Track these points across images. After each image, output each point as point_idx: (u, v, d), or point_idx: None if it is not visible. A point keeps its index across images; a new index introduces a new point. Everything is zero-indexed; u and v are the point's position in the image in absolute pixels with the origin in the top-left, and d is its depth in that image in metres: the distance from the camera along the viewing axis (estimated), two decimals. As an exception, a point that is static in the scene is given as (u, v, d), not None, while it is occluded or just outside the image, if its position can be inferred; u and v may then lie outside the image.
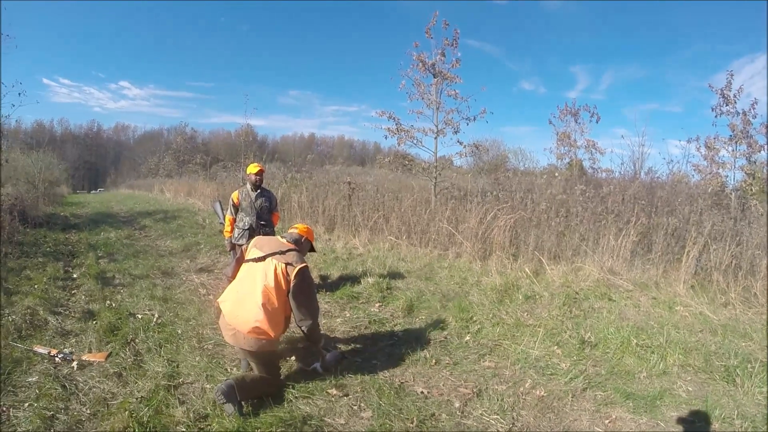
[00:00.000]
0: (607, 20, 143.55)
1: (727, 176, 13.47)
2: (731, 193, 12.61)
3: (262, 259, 4.47)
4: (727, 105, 13.17)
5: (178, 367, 4.90)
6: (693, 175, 14.14)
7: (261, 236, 5.20)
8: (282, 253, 4.50)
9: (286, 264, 4.41)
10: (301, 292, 4.48)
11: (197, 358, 5.08)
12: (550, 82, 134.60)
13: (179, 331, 5.83)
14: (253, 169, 7.34)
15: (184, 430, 3.79)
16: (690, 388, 4.87)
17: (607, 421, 4.29)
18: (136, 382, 4.51)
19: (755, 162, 13.18)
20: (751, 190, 12.55)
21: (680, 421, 4.33)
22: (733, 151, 13.38)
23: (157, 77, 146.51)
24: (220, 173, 24.59)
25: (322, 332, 5.09)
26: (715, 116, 13.45)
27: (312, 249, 5.26)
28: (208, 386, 4.48)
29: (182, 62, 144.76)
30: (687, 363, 5.36)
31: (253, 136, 33.14)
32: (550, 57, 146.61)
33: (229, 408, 3.97)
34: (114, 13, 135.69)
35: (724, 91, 13.14)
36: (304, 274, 4.48)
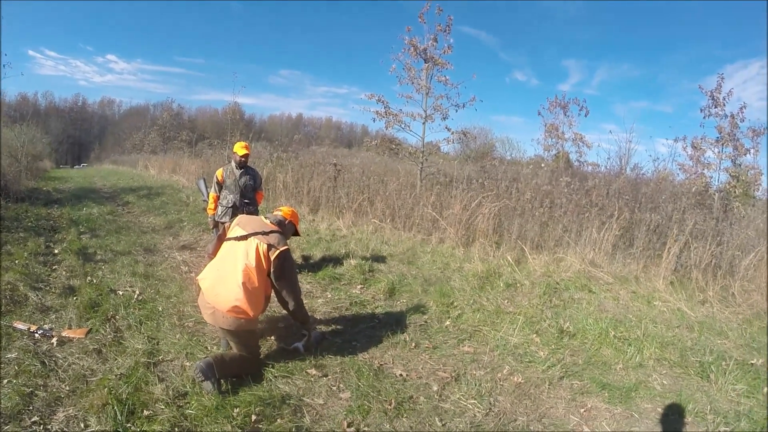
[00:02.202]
0: (605, 18, 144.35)
1: (712, 177, 13.64)
2: (715, 194, 12.74)
3: (244, 238, 4.42)
4: (716, 107, 13.32)
5: (158, 344, 4.87)
6: (678, 174, 14.32)
7: (244, 215, 5.14)
8: (265, 233, 4.46)
9: (268, 245, 4.38)
10: (283, 274, 4.47)
11: (177, 336, 5.06)
12: (543, 74, 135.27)
13: (160, 309, 5.79)
14: (240, 150, 7.25)
15: (163, 407, 3.76)
16: (665, 382, 4.93)
17: (582, 410, 4.33)
18: (116, 359, 4.48)
19: (740, 165, 13.37)
20: (735, 192, 12.71)
21: (654, 413, 4.39)
22: (719, 152, 13.55)
23: (146, 51, 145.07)
24: (206, 151, 24.30)
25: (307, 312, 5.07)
26: (704, 117, 13.63)
27: (296, 233, 5.23)
28: (187, 364, 4.45)
29: (172, 37, 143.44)
30: (663, 357, 5.43)
31: (241, 115, 32.96)
32: (545, 50, 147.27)
33: (208, 386, 3.96)
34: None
35: (714, 93, 13.27)
36: (285, 256, 4.46)
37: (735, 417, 4.36)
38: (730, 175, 13.28)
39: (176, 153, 29.96)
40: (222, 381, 4.07)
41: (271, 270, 4.40)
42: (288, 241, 4.85)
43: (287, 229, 4.92)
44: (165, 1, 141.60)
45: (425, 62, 13.14)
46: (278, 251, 4.39)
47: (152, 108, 69.29)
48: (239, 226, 4.58)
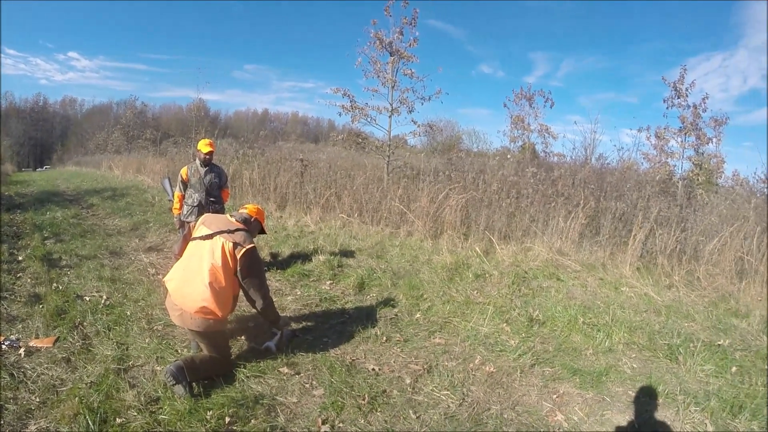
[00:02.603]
0: (571, 11, 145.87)
1: (675, 165, 13.97)
2: (678, 182, 12.99)
3: (210, 237, 4.34)
4: (678, 98, 13.66)
5: (127, 349, 4.76)
6: (642, 163, 14.59)
7: (209, 214, 5.07)
8: (230, 232, 4.39)
9: (234, 243, 4.31)
10: (250, 273, 4.40)
11: (147, 340, 4.94)
12: (510, 66, 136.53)
13: (128, 313, 5.64)
14: (204, 147, 7.11)
15: (135, 414, 3.68)
16: (635, 365, 4.99)
17: (554, 396, 4.36)
18: (86, 367, 4.36)
19: (703, 153, 13.67)
20: (698, 179, 12.99)
21: (626, 395, 4.44)
22: (682, 141, 13.86)
23: (108, 48, 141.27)
24: (171, 149, 23.98)
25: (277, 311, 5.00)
26: (667, 108, 13.98)
27: (262, 231, 5.15)
28: (158, 368, 4.36)
29: (135, 32, 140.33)
30: (632, 341, 5.50)
31: (205, 111, 32.39)
32: (512, 42, 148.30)
33: (180, 389, 3.89)
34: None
35: (677, 85, 13.61)
36: (251, 254, 4.40)
37: (705, 397, 4.44)
38: (693, 163, 13.58)
39: (141, 152, 29.38)
40: (194, 384, 4.00)
41: (238, 268, 4.33)
42: (255, 239, 4.79)
43: (253, 226, 4.85)
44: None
45: (391, 55, 13.08)
46: (244, 249, 4.32)
47: (115, 106, 67.50)
48: (204, 225, 4.50)
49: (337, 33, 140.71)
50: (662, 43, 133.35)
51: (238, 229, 4.46)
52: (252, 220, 4.86)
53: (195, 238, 4.46)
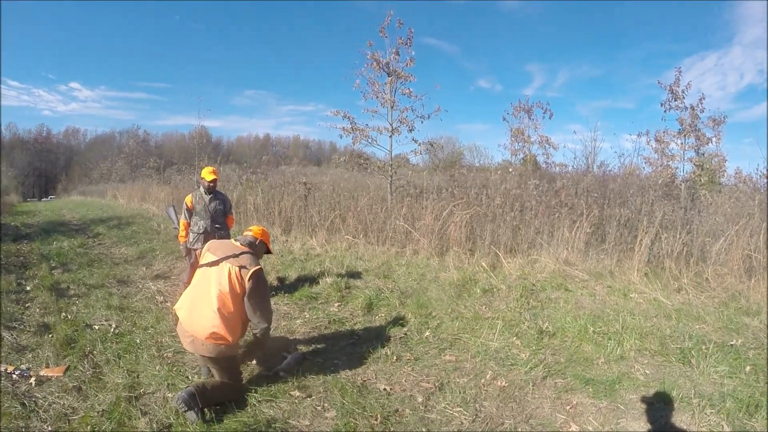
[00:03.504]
0: (562, 20, 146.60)
1: (677, 168, 13.88)
2: (681, 184, 12.96)
3: (216, 263, 4.36)
4: (675, 100, 13.62)
5: (138, 377, 4.75)
6: (644, 168, 14.52)
7: (215, 240, 5.06)
8: (236, 256, 4.40)
9: (240, 267, 4.31)
10: (256, 295, 4.39)
11: (157, 367, 4.93)
12: (506, 80, 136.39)
13: (138, 341, 5.64)
14: (208, 176, 7.16)
15: None
16: (647, 371, 4.96)
17: (568, 407, 4.34)
18: (97, 395, 4.35)
19: (703, 154, 13.66)
20: (701, 180, 12.97)
21: (640, 402, 4.42)
22: (682, 143, 13.82)
23: (109, 78, 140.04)
24: (174, 177, 24.02)
25: (280, 335, 5.00)
26: (664, 111, 13.90)
27: (268, 251, 5.16)
28: (169, 395, 4.34)
29: (134, 62, 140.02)
30: (643, 347, 5.48)
31: (207, 138, 32.52)
32: (507, 55, 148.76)
33: (192, 416, 3.88)
34: (63, 10, 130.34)
35: (673, 87, 13.58)
36: (258, 276, 4.39)
37: (720, 398, 4.42)
38: (694, 164, 13.55)
39: (144, 180, 29.37)
40: (205, 410, 4.00)
41: (246, 291, 4.34)
42: (262, 260, 4.80)
43: (258, 249, 4.86)
44: (126, 25, 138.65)
45: (388, 76, 13.08)
46: (251, 271, 4.32)
47: (118, 136, 67.73)
48: (210, 251, 4.52)
49: (334, 55, 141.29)
50: (654, 45, 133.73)
51: (243, 253, 4.46)
52: (257, 242, 4.86)
53: (202, 266, 4.48)
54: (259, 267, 4.41)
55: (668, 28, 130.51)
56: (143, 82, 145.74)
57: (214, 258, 4.40)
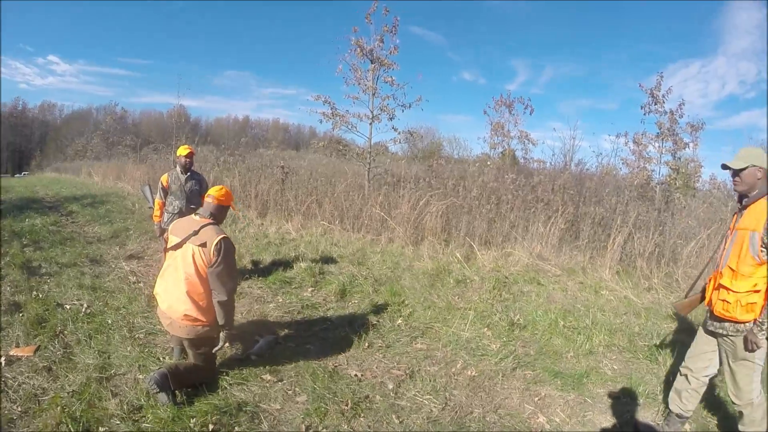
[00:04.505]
0: (552, 18, 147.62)
1: (653, 170, 14.14)
2: (656, 186, 13.16)
3: (180, 245, 4.27)
4: (655, 104, 13.85)
5: (109, 358, 4.69)
6: (621, 168, 14.70)
7: (178, 220, 4.90)
8: (196, 233, 4.28)
9: (201, 245, 4.21)
10: (217, 265, 4.23)
11: (129, 348, 4.87)
12: (491, 73, 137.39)
13: (109, 321, 5.56)
14: (182, 151, 7.09)
15: (118, 422, 3.64)
16: (615, 366, 5.04)
17: (536, 399, 4.39)
18: (67, 376, 4.30)
19: (680, 158, 13.94)
20: (675, 183, 13.21)
21: (607, 397, 4.50)
22: (659, 147, 14.08)
23: (88, 52, 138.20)
24: (151, 156, 23.69)
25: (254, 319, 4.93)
26: (644, 114, 14.17)
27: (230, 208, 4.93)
28: (140, 377, 4.31)
29: (115, 36, 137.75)
30: (612, 343, 5.56)
31: (186, 118, 32.04)
32: (492, 49, 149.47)
33: (163, 397, 3.85)
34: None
35: (654, 91, 13.81)
36: (221, 247, 4.25)
37: None
38: (670, 168, 13.82)
39: (120, 159, 28.80)
40: (177, 392, 3.97)
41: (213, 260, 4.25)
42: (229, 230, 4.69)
43: (220, 216, 4.66)
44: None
45: (372, 63, 13.07)
46: (213, 244, 4.19)
47: (95, 112, 66.61)
48: (173, 234, 4.40)
49: (318, 39, 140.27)
50: (641, 50, 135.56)
51: (203, 227, 4.32)
52: (218, 208, 4.64)
53: (168, 249, 4.42)
54: (221, 237, 4.27)
55: (655, 33, 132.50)
56: (124, 57, 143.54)
57: (178, 240, 4.32)
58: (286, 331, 5.72)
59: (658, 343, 5.57)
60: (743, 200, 3.53)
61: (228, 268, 4.35)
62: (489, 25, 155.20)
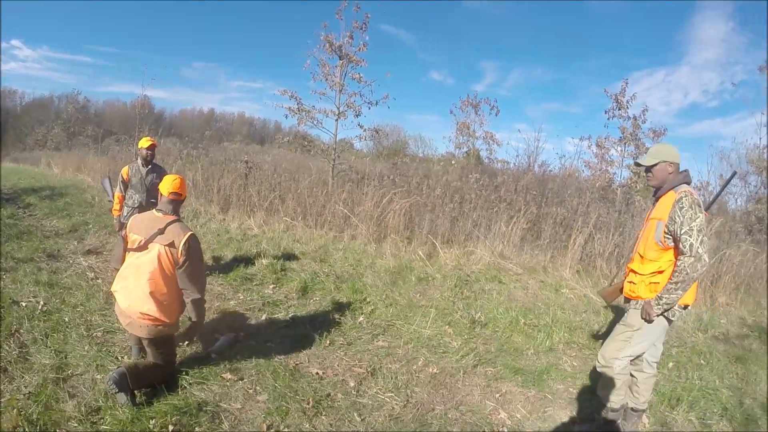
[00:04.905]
0: (524, 22, 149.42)
1: (615, 173, 14.50)
2: (617, 189, 13.38)
3: (145, 246, 4.15)
4: (619, 109, 14.22)
5: (66, 357, 4.54)
6: (583, 171, 15.03)
7: (136, 217, 4.72)
8: (162, 232, 4.18)
9: (168, 245, 4.12)
10: (188, 266, 4.20)
11: (86, 347, 4.73)
12: (460, 74, 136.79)
13: (66, 319, 5.38)
14: (144, 143, 6.94)
15: (75, 425, 3.53)
16: (575, 363, 5.11)
17: (497, 395, 4.42)
18: (23, 377, 4.14)
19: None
20: (636, 186, 13.50)
21: (567, 393, 4.55)
22: (621, 151, 14.45)
23: (53, 37, 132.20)
24: (113, 147, 23.25)
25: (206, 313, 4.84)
26: (608, 119, 14.59)
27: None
28: (98, 377, 4.19)
29: (82, 22, 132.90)
30: (572, 340, 5.65)
31: (150, 109, 31.56)
32: (462, 50, 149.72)
33: (122, 398, 3.73)
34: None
35: (619, 97, 14.19)
36: (190, 246, 4.19)
37: None
38: (631, 171, 14.11)
39: (81, 150, 28.18)
40: (136, 392, 3.87)
41: (179, 264, 4.19)
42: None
43: (179, 208, 4.57)
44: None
45: (340, 59, 13.06)
46: (181, 243, 4.12)
47: (57, 100, 64.16)
48: (134, 232, 4.26)
49: (289, 34, 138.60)
50: (608, 57, 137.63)
51: (168, 224, 4.22)
52: (178, 203, 4.55)
53: (130, 250, 4.29)
54: (189, 234, 4.20)
55: (624, 41, 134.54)
56: (89, 44, 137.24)
57: (140, 238, 4.20)
58: (247, 329, 5.64)
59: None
60: (656, 193, 3.81)
61: (198, 266, 4.31)
62: (461, 27, 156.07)
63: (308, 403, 4.01)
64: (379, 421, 3.90)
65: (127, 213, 6.84)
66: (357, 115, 13.28)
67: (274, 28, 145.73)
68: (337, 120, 13.34)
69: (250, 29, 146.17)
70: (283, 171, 13.85)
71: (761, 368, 5.60)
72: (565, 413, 4.24)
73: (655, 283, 3.61)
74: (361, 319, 6.04)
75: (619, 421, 4.02)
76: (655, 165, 3.72)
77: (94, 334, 5.09)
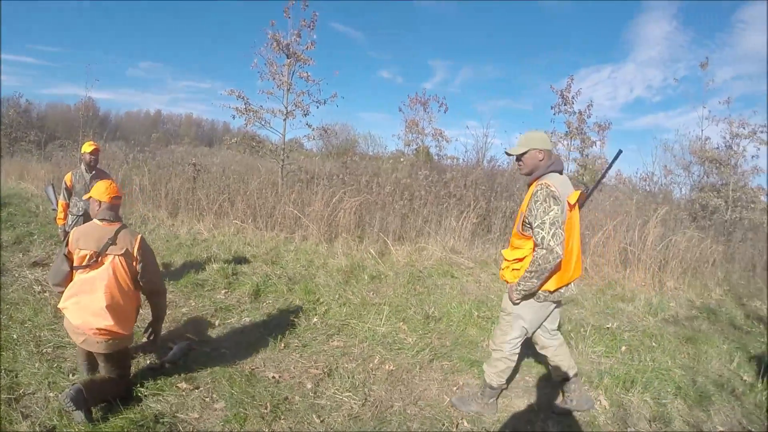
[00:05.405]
0: (472, 22, 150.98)
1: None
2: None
3: (97, 260, 4.00)
4: (565, 105, 14.52)
5: (17, 376, 4.37)
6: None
7: (78, 229, 4.34)
8: (114, 242, 4.03)
9: (123, 254, 4.00)
10: (149, 265, 4.14)
11: (37, 365, 4.55)
12: (408, 72, 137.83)
13: (15, 336, 5.17)
14: (87, 147, 6.71)
15: None
16: (530, 353, 5.14)
17: (455, 388, 4.46)
18: None
19: (587, 156, 14.71)
20: (583, 179, 13.77)
21: (523, 382, 4.65)
22: (568, 144, 14.78)
23: None
24: (57, 153, 22.50)
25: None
26: (554, 114, 14.93)
27: None
28: (51, 395, 4.05)
29: (24, 21, 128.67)
30: (526, 331, 5.68)
31: (95, 111, 30.58)
32: (411, 48, 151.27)
33: (79, 416, 3.61)
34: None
35: (564, 93, 14.51)
36: (144, 250, 4.11)
37: (598, 375, 4.76)
38: (578, 164, 14.48)
39: (24, 156, 27.37)
40: (92, 408, 3.75)
41: (138, 271, 4.08)
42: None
43: (118, 212, 4.42)
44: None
45: (288, 58, 12.94)
46: (135, 249, 4.03)
47: None
48: (81, 246, 4.04)
49: (237, 33, 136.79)
50: (556, 55, 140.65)
51: (117, 232, 4.09)
52: (117, 207, 4.40)
53: (81, 267, 4.12)
54: (139, 237, 4.12)
55: (571, 39, 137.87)
56: (31, 44, 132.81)
57: (90, 252, 4.05)
58: (201, 336, 5.54)
59: (569, 329, 5.76)
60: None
61: (154, 263, 4.26)
62: (411, 25, 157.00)
63: (266, 408, 3.97)
64: (338, 421, 3.88)
65: (72, 221, 6.66)
66: (305, 115, 13.16)
67: (222, 27, 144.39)
68: (285, 120, 13.22)
69: (198, 28, 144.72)
70: (232, 173, 13.67)
71: (711, 347, 5.80)
72: (522, 402, 4.30)
73: (516, 269, 3.72)
74: (315, 320, 6.01)
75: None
76: (525, 153, 3.77)
77: (44, 350, 4.89)
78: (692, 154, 15.11)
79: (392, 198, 10.83)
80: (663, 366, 5.08)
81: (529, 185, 3.75)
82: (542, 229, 3.42)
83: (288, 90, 13.11)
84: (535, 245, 3.51)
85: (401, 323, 5.89)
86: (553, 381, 4.38)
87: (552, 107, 14.84)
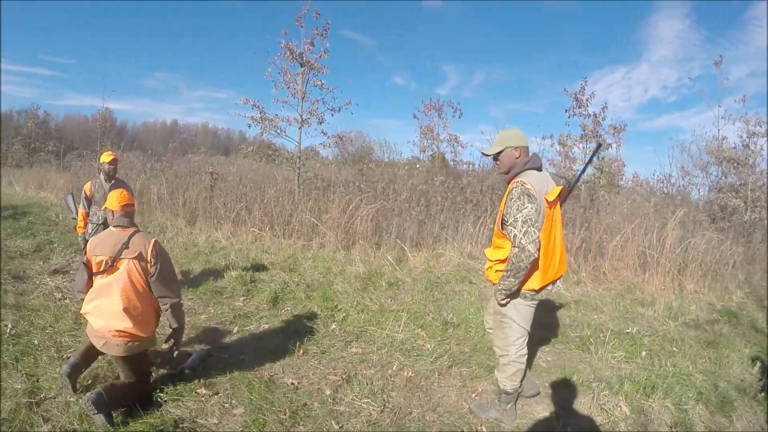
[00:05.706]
0: (482, 24, 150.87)
1: (579, 170, 14.49)
2: (582, 185, 13.50)
3: (113, 265, 4.09)
4: (579, 107, 14.37)
5: (38, 381, 4.42)
6: (548, 169, 15.08)
7: (95, 238, 4.44)
8: (127, 246, 4.10)
9: (137, 257, 4.05)
10: (161, 269, 4.14)
11: (57, 370, 4.56)
12: (422, 78, 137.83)
13: (36, 342, 5.24)
14: (106, 157, 6.80)
15: None
16: (549, 358, 5.14)
17: (473, 395, 4.42)
18: None
19: (604, 158, 14.48)
20: (600, 182, 13.71)
21: (543, 388, 4.56)
22: (584, 147, 14.61)
23: (9, 49, 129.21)
24: (75, 163, 22.74)
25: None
26: (569, 117, 14.75)
27: None
28: (72, 399, 4.09)
29: (39, 33, 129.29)
30: (545, 336, 5.69)
31: (112, 122, 30.85)
32: (424, 54, 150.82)
33: (100, 419, 3.64)
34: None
35: (578, 96, 14.34)
36: (158, 253, 4.14)
37: (618, 381, 4.66)
38: (595, 167, 14.26)
39: (43, 166, 27.54)
40: (113, 413, 3.78)
41: (152, 274, 4.10)
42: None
43: (132, 219, 4.48)
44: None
45: (301, 66, 12.98)
46: (149, 252, 4.07)
47: (16, 115, 62.89)
48: (97, 253, 4.13)
49: (251, 42, 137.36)
50: (568, 57, 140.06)
51: (130, 237, 4.15)
52: (130, 214, 4.46)
53: (98, 273, 4.18)
54: (153, 240, 4.16)
55: (583, 40, 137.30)
56: (47, 56, 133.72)
57: (105, 258, 4.10)
58: (220, 342, 5.56)
59: (588, 334, 5.72)
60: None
61: (170, 269, 4.26)
62: (421, 29, 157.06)
63: (285, 414, 3.97)
64: (357, 427, 3.87)
65: (92, 230, 6.75)
66: (320, 123, 13.19)
67: (236, 36, 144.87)
68: (300, 128, 13.25)
69: (213, 38, 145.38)
70: (249, 181, 13.75)
71: (733, 351, 5.72)
72: (541, 408, 4.26)
73: (499, 270, 3.70)
74: (334, 326, 6.01)
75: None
76: (501, 152, 3.77)
77: (65, 355, 4.94)
78: (709, 154, 14.90)
79: (409, 204, 10.82)
80: (684, 371, 5.01)
81: (508, 183, 3.72)
82: (515, 227, 3.42)
83: (302, 98, 13.14)
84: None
85: (420, 330, 5.87)
86: (571, 384, 4.36)
87: (566, 110, 14.69)
